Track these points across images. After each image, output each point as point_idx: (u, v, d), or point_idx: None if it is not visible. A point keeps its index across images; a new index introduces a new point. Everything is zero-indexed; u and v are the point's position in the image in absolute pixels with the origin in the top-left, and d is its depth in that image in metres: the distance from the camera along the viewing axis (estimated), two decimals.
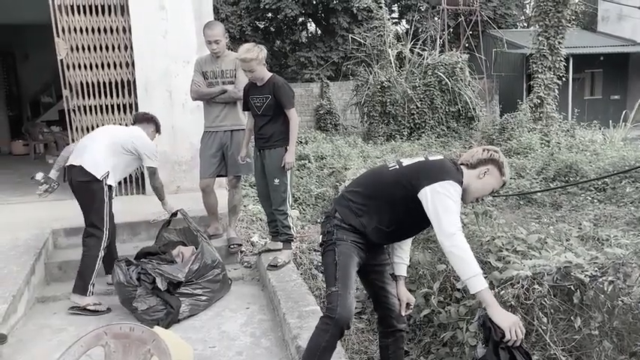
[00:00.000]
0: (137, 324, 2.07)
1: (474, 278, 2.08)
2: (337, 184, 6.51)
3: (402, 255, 2.58)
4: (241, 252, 4.38)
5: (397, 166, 2.40)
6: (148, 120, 3.90)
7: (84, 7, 5.13)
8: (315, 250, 4.54)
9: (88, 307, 3.45)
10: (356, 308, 3.43)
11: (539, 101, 12.12)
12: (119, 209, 4.59)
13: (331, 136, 12.53)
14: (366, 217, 2.36)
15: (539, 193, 6.62)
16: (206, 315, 3.45)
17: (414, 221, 2.37)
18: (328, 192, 6.57)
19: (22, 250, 3.87)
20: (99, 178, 3.49)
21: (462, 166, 2.35)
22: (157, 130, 3.94)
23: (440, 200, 2.17)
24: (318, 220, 5.70)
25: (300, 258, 4.36)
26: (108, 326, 1.98)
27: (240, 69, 4.10)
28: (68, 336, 3.17)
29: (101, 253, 3.52)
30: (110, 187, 3.59)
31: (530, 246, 3.05)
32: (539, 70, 12.19)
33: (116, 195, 5.26)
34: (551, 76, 12.15)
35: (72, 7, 5.09)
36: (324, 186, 7.00)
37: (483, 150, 2.37)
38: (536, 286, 2.55)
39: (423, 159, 2.40)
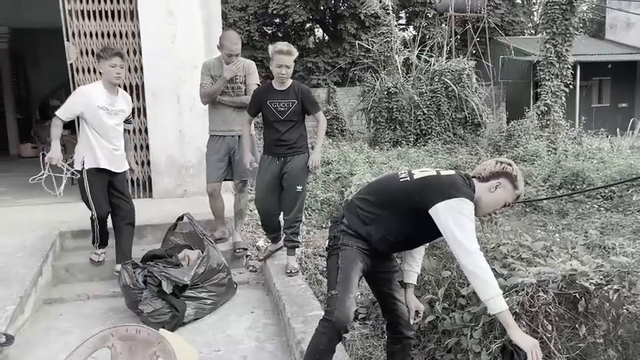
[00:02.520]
0: (143, 326, 2.09)
1: (495, 299, 2.06)
2: (343, 189, 6.50)
3: (413, 263, 2.57)
4: (246, 256, 4.40)
5: (408, 178, 2.35)
6: None
7: (94, 12, 5.19)
8: (320, 255, 4.55)
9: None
10: (360, 314, 3.43)
11: (546, 108, 12.10)
12: None
13: (337, 142, 12.55)
14: (373, 225, 2.36)
15: (545, 201, 6.60)
16: (211, 318, 3.46)
17: (421, 234, 2.37)
18: (334, 197, 6.57)
19: (29, 251, 3.91)
20: (78, 169, 3.86)
21: (473, 179, 2.32)
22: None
23: (455, 218, 2.13)
24: (324, 226, 5.70)
25: (305, 263, 4.37)
26: (114, 328, 2.00)
27: (251, 75, 4.10)
28: (74, 338, 3.19)
29: (96, 225, 3.93)
30: (82, 170, 3.84)
31: (535, 253, 3.04)
32: (547, 78, 12.18)
33: None
34: (559, 83, 12.13)
35: (82, 12, 5.15)
36: (329, 191, 7.00)
37: (496, 163, 2.32)
38: (541, 294, 2.54)
39: (435, 173, 2.34)
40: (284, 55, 3.49)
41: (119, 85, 3.95)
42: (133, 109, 5.34)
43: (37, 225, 4.47)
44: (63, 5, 5.06)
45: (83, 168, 3.82)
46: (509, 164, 2.31)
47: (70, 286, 3.93)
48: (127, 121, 4.07)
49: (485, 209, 2.34)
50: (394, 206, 2.34)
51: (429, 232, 2.30)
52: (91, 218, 3.94)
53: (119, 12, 5.28)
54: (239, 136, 4.10)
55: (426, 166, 8.75)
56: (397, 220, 2.33)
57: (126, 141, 4.09)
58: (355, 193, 3.00)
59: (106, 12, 5.23)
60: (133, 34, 5.33)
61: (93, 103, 3.76)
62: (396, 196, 2.35)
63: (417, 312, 2.55)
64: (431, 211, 2.20)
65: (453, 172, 2.36)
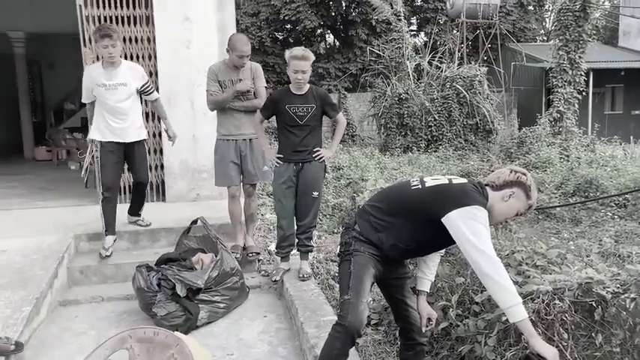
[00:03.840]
0: (161, 328, 2.11)
1: (516, 307, 2.04)
2: (354, 195, 6.51)
3: (427, 271, 2.56)
4: (259, 260, 4.41)
5: (420, 186, 2.35)
6: None
7: (111, 17, 5.26)
8: (332, 261, 4.56)
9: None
10: (373, 319, 3.43)
11: (558, 115, 12.04)
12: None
13: (348, 147, 12.56)
14: (385, 233, 2.36)
15: (558, 208, 6.56)
16: (224, 322, 3.48)
17: (433, 241, 2.37)
18: (345, 203, 6.57)
19: (46, 253, 3.95)
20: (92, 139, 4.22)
21: (486, 187, 2.31)
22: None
23: (469, 226, 2.12)
24: (335, 231, 5.71)
25: (318, 268, 4.38)
26: (132, 330, 2.02)
27: (259, 78, 4.11)
28: (89, 340, 3.22)
29: (105, 204, 4.14)
30: (92, 141, 4.20)
31: (550, 261, 3.02)
32: (559, 84, 12.12)
33: None
34: (571, 90, 12.07)
35: (99, 17, 5.21)
36: (341, 197, 7.01)
37: (510, 171, 2.30)
38: (557, 302, 2.52)
39: (447, 181, 2.33)
40: (299, 61, 3.50)
41: (124, 60, 4.22)
42: (147, 112, 5.45)
43: (53, 227, 4.52)
44: (80, 11, 5.13)
45: (93, 141, 4.19)
46: (524, 173, 2.29)
47: (84, 288, 3.96)
48: (144, 93, 4.27)
49: (498, 218, 2.32)
50: (406, 214, 2.34)
51: (440, 240, 2.30)
52: (101, 200, 4.16)
53: (135, 18, 5.35)
54: (250, 140, 4.10)
55: (437, 173, 8.74)
56: (409, 227, 2.33)
57: (158, 112, 4.52)
58: (367, 199, 3.00)
59: (122, 18, 5.30)
60: (149, 40, 5.38)
61: (93, 82, 4.08)
62: (408, 204, 2.35)
63: (429, 319, 2.55)
64: (444, 220, 2.19)
65: (465, 180, 2.34)
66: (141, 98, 4.34)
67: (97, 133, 4.15)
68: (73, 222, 4.62)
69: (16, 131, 10.57)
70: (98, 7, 5.22)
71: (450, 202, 2.19)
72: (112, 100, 4.09)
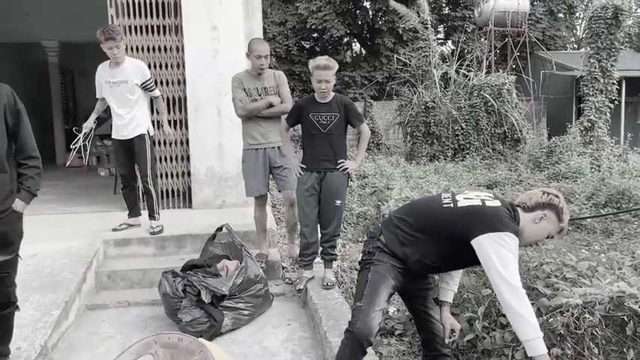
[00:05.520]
0: (185, 334, 2.12)
1: (536, 341, 2.02)
2: (379, 203, 6.47)
3: (450, 282, 2.53)
4: (283, 268, 4.42)
5: (451, 204, 2.31)
6: None
7: (141, 27, 5.37)
8: (356, 269, 4.52)
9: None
10: (397, 329, 3.39)
11: (589, 125, 11.79)
12: (166, 222, 4.75)
13: (373, 156, 12.52)
14: (411, 248, 2.34)
15: (589, 220, 6.40)
16: (248, 329, 3.49)
17: (460, 261, 2.34)
18: (370, 211, 6.54)
19: (75, 258, 4.03)
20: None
21: (518, 208, 2.27)
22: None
23: (498, 253, 2.09)
24: (360, 239, 5.68)
25: (342, 277, 4.35)
26: (157, 335, 2.04)
27: (283, 85, 4.13)
28: (115, 344, 3.27)
29: (122, 189, 4.75)
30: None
31: (580, 274, 2.95)
32: (591, 93, 11.88)
33: (164, 208, 5.44)
34: (603, 99, 11.81)
35: (130, 27, 5.34)
36: (365, 205, 6.98)
37: (543, 193, 2.27)
38: (587, 316, 2.46)
39: (479, 203, 2.28)
40: (322, 70, 3.51)
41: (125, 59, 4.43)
42: (175, 120, 5.54)
43: (81, 232, 4.61)
44: (112, 21, 5.25)
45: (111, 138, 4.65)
46: (556, 195, 2.26)
47: (111, 293, 4.03)
48: (146, 89, 4.49)
49: (528, 240, 2.29)
50: (434, 231, 2.32)
51: (467, 260, 2.27)
52: (121, 189, 4.75)
53: (164, 27, 5.45)
54: (278, 147, 4.12)
55: (464, 182, 8.63)
56: (436, 245, 2.31)
57: (157, 108, 4.81)
58: (395, 209, 2.97)
59: (152, 27, 5.41)
60: (177, 49, 5.48)
61: (101, 79, 4.47)
62: (437, 222, 2.32)
63: (452, 330, 2.51)
64: (473, 242, 2.16)
65: (498, 202, 2.29)
66: (151, 103, 4.66)
67: (113, 130, 4.56)
68: (102, 227, 4.71)
69: (48, 138, 10.86)
70: (129, 16, 5.34)
71: (481, 226, 2.16)
72: (115, 97, 4.43)
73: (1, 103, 2.39)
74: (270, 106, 4.06)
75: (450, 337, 2.51)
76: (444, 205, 2.32)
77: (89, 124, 4.62)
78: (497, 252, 2.09)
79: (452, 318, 2.54)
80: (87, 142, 4.70)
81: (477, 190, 2.55)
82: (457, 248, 2.24)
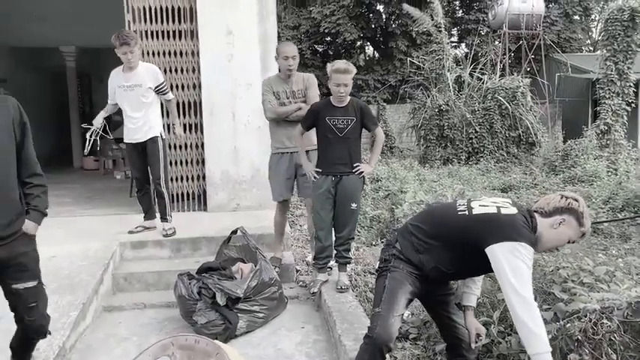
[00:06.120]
0: (202, 337, 2.14)
1: (544, 355, 2.00)
2: (393, 207, 6.46)
3: (473, 286, 2.52)
4: (297, 271, 4.43)
5: (466, 212, 2.29)
6: None
7: (157, 32, 5.43)
8: (370, 273, 4.53)
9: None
10: (411, 334, 3.38)
11: (606, 128, 11.67)
12: (181, 224, 4.79)
13: (387, 159, 12.49)
14: (426, 255, 2.34)
15: (605, 224, 6.32)
16: (262, 332, 3.50)
17: (475, 268, 2.32)
18: (383, 215, 6.53)
19: (92, 260, 4.08)
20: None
21: (535, 214, 2.24)
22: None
23: (511, 264, 2.06)
24: (374, 243, 5.68)
25: (356, 280, 4.35)
26: (174, 337, 2.07)
27: (312, 88, 4.09)
28: (132, 345, 3.30)
29: (137, 191, 4.78)
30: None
31: (597, 278, 2.92)
32: (607, 96, 11.76)
33: (179, 211, 5.50)
34: (620, 101, 11.69)
35: (147, 32, 5.40)
36: (379, 208, 6.97)
37: (561, 197, 2.23)
38: (605, 321, 2.44)
39: (495, 210, 2.24)
40: (342, 74, 3.52)
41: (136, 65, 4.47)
42: (191, 124, 5.59)
43: (98, 235, 4.67)
44: (129, 26, 5.32)
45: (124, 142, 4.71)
46: (576, 199, 2.20)
47: (127, 295, 4.07)
48: (159, 92, 4.56)
49: (547, 245, 2.25)
50: (448, 239, 2.31)
51: (482, 267, 2.25)
52: (136, 192, 4.81)
53: (180, 32, 5.51)
54: (307, 152, 4.04)
55: (478, 185, 8.58)
56: (450, 252, 2.30)
57: (170, 111, 4.86)
58: (410, 217, 2.98)
59: (168, 32, 5.47)
60: (193, 53, 5.53)
61: (115, 84, 4.53)
62: (452, 230, 2.31)
63: (477, 335, 2.49)
64: (487, 251, 2.14)
65: (514, 210, 2.24)
66: (162, 107, 4.76)
67: (125, 134, 4.64)
68: (118, 230, 4.76)
69: (66, 142, 11.01)
70: (146, 22, 5.41)
71: (495, 234, 2.13)
72: (130, 100, 4.49)
73: (9, 117, 2.27)
74: (294, 97, 4.08)
75: (476, 342, 2.49)
76: (459, 213, 2.31)
77: (98, 121, 4.67)
78: (510, 263, 2.07)
79: (477, 322, 2.53)
80: (97, 139, 4.75)
81: (494, 197, 2.51)
82: (472, 256, 2.23)
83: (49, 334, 2.57)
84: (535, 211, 2.26)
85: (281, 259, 4.29)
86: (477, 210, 2.27)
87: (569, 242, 2.24)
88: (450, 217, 2.33)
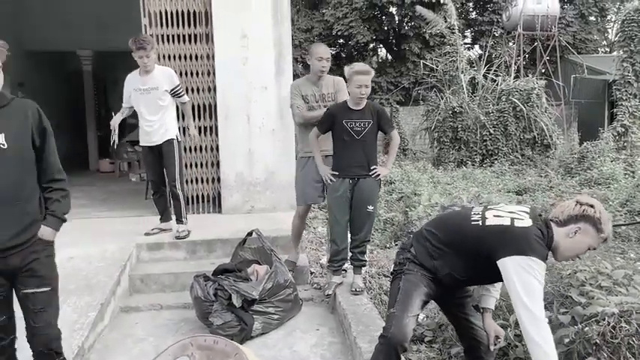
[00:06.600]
0: (221, 337, 2.16)
1: None
2: (407, 209, 6.45)
3: (491, 288, 2.51)
4: (311, 273, 4.44)
5: (480, 222, 2.27)
6: None
7: (173, 36, 5.49)
8: (384, 275, 4.53)
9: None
10: (427, 336, 3.38)
11: (623, 130, 11.54)
12: (196, 226, 4.83)
13: (400, 161, 12.46)
14: (440, 261, 2.35)
15: (623, 227, 6.25)
16: (277, 334, 3.52)
17: (489, 277, 2.31)
18: (397, 217, 6.53)
19: (109, 261, 4.13)
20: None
21: (552, 223, 2.21)
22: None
23: (522, 279, 2.05)
24: (387, 245, 5.67)
25: (370, 282, 4.36)
26: (193, 337, 2.09)
27: (341, 91, 4.04)
28: (149, 346, 3.34)
29: (153, 194, 4.87)
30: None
31: (616, 282, 2.89)
32: (624, 98, 11.64)
33: (194, 213, 5.54)
34: (637, 103, 11.56)
35: (163, 36, 5.46)
36: (392, 211, 6.96)
37: (575, 204, 2.16)
38: (624, 325, 2.42)
39: (508, 222, 2.20)
40: (363, 75, 3.53)
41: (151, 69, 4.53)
42: (205, 127, 5.63)
43: (115, 236, 4.72)
44: (145, 30, 5.38)
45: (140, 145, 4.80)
46: (591, 205, 2.14)
47: (144, 296, 4.11)
48: (175, 95, 4.61)
49: (565, 255, 2.21)
50: (462, 247, 2.31)
51: (494, 277, 2.25)
52: (152, 195, 4.91)
53: (196, 36, 5.56)
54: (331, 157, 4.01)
55: (493, 189, 8.51)
56: (463, 260, 2.31)
57: (185, 113, 4.92)
58: (425, 219, 2.98)
59: (184, 36, 5.52)
60: (208, 57, 5.57)
61: (131, 87, 4.59)
62: (465, 239, 2.30)
63: (496, 337, 2.48)
64: (498, 263, 2.13)
65: (529, 222, 2.20)
66: (178, 110, 4.82)
67: (141, 138, 4.71)
68: (134, 232, 4.81)
69: (82, 144, 11.15)
70: (162, 26, 5.47)
71: (507, 247, 2.12)
72: (146, 103, 4.55)
73: (28, 123, 2.19)
74: (323, 100, 4.06)
75: (495, 344, 2.49)
76: (472, 222, 2.29)
77: (116, 121, 4.73)
78: (521, 278, 2.05)
79: (495, 324, 2.52)
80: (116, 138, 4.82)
81: (512, 205, 2.47)
82: (484, 266, 2.22)
83: (61, 356, 2.41)
84: (551, 220, 2.22)
85: (295, 262, 4.30)
86: (491, 221, 2.25)
87: (589, 250, 2.19)
88: (464, 226, 2.33)
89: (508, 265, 2.09)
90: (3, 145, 2.11)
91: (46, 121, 2.27)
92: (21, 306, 2.29)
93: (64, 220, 2.34)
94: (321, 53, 3.99)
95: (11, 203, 2.15)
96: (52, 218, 2.28)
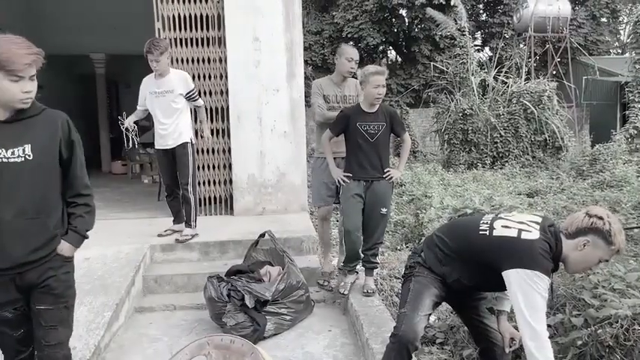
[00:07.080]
0: (237, 337, 2.20)
1: None
2: (418, 211, 6.45)
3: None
4: (322, 274, 4.46)
5: (487, 232, 2.27)
6: None
7: (186, 39, 5.55)
8: (395, 277, 4.54)
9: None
10: (438, 338, 3.39)
11: (635, 132, 11.47)
12: (209, 228, 4.88)
13: (410, 163, 12.45)
14: (449, 267, 2.38)
15: (636, 230, 6.21)
16: (290, 335, 3.55)
17: (497, 284, 2.32)
18: (408, 219, 6.53)
19: (123, 262, 4.18)
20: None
21: (561, 234, 2.19)
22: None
23: (526, 294, 2.06)
24: (398, 247, 5.68)
25: (381, 284, 4.37)
26: (210, 337, 2.13)
27: (363, 94, 4.14)
28: (163, 345, 3.38)
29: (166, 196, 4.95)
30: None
31: (629, 284, 2.89)
32: (636, 99, 11.58)
33: (206, 215, 5.59)
34: None
35: (176, 39, 5.52)
36: (403, 213, 6.97)
37: (584, 216, 2.13)
38: (637, 327, 2.42)
39: (516, 234, 2.19)
40: (380, 76, 3.58)
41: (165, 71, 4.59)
42: (218, 129, 5.68)
43: (129, 238, 4.78)
44: (158, 34, 5.45)
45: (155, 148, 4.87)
46: (600, 217, 2.10)
47: (158, 297, 4.16)
48: (189, 98, 4.67)
49: (575, 267, 2.21)
50: (470, 255, 2.34)
51: (500, 287, 2.27)
52: (165, 197, 4.97)
53: (208, 39, 5.62)
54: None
55: (504, 191, 8.49)
56: (471, 269, 2.34)
57: (199, 117, 4.97)
58: (436, 222, 3.00)
59: (197, 39, 5.58)
60: (220, 60, 5.63)
61: (146, 90, 4.67)
62: (472, 248, 2.33)
63: (511, 339, 2.50)
64: (503, 275, 2.15)
65: (536, 234, 2.17)
66: (192, 111, 4.88)
67: (155, 141, 4.78)
68: (148, 233, 4.87)
69: (95, 146, 11.26)
70: (175, 29, 5.53)
71: (512, 260, 2.12)
72: (161, 106, 4.61)
73: (56, 136, 2.11)
74: (344, 102, 4.10)
75: (510, 347, 2.49)
76: (480, 232, 2.30)
77: (130, 122, 4.85)
78: (525, 293, 2.06)
79: (511, 327, 2.52)
80: (131, 136, 4.98)
81: (523, 214, 2.45)
82: (491, 275, 2.24)
83: None
84: (561, 232, 2.21)
85: (330, 273, 4.25)
86: (498, 232, 2.25)
87: (600, 262, 2.17)
88: (471, 236, 2.34)
89: (512, 278, 2.10)
90: (28, 155, 2.03)
91: (76, 134, 2.20)
92: (33, 321, 2.18)
93: (86, 237, 2.27)
94: (352, 54, 4.03)
95: (32, 217, 2.06)
96: (74, 234, 2.22)
